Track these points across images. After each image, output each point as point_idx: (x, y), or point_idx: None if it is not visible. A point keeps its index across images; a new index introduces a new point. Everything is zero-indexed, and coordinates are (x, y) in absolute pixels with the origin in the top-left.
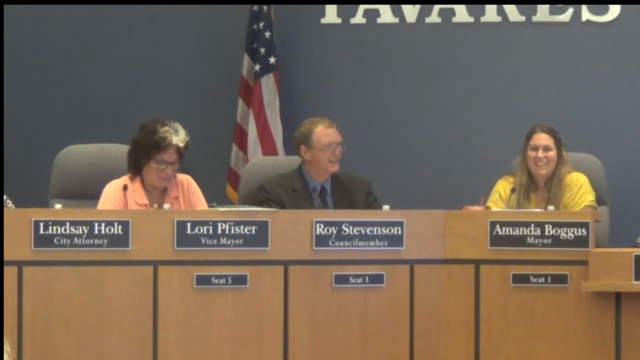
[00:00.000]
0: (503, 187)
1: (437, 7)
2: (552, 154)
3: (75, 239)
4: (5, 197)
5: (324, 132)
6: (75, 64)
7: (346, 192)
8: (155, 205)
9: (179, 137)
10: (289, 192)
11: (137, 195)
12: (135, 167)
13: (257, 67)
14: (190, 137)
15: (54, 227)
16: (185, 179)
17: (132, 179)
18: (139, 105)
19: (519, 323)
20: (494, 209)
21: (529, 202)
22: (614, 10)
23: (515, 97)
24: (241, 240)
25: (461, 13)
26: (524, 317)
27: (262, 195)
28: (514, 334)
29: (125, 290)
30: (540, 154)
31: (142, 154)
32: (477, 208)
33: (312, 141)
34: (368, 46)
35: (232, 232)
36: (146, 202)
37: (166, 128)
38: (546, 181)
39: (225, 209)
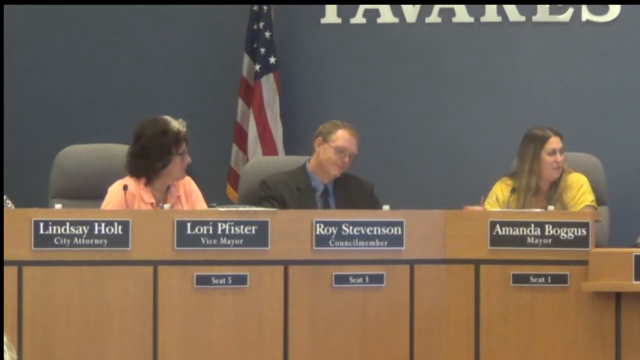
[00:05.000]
0: (501, 189)
1: (437, 7)
2: (564, 156)
3: (75, 239)
4: (5, 197)
5: (345, 137)
6: (76, 64)
7: (349, 193)
8: (162, 204)
9: (181, 124)
10: (293, 190)
11: (144, 194)
12: (148, 171)
13: (257, 67)
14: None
15: (54, 227)
16: (185, 178)
17: (136, 179)
18: (139, 105)
19: (518, 323)
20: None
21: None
22: (614, 10)
23: (515, 97)
24: (241, 240)
25: (461, 13)
26: (524, 317)
27: (264, 191)
28: (514, 334)
29: (125, 290)
30: (558, 157)
31: (162, 155)
32: (477, 208)
33: (330, 137)
34: (368, 46)
35: (232, 232)
36: (153, 200)
37: (171, 121)
38: (551, 185)
39: (225, 209)
